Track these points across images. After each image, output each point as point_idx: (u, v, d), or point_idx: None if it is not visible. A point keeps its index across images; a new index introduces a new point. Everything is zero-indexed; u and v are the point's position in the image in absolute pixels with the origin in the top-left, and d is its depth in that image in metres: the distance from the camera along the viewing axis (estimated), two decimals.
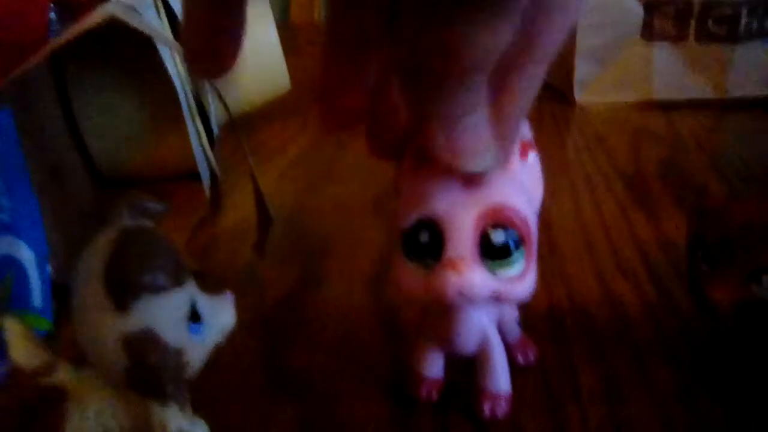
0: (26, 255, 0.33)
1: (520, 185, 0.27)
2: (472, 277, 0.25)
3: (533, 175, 0.27)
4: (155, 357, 0.23)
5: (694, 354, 0.34)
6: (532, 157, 0.27)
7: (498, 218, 0.25)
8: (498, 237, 0.25)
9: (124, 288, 0.23)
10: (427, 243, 0.26)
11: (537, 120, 0.72)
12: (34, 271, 0.33)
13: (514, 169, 0.27)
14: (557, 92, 0.80)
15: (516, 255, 0.25)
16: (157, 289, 0.23)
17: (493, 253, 0.25)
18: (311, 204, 0.52)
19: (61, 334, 0.35)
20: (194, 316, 0.25)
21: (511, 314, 0.33)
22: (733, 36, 0.75)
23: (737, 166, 0.60)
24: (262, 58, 0.58)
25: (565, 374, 0.33)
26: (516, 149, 0.27)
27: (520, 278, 0.26)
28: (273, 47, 0.58)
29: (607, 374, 0.33)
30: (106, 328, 0.23)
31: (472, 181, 0.26)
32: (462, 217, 0.25)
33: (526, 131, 0.27)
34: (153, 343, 0.23)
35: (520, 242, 0.25)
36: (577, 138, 0.68)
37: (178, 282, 0.24)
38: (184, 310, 0.24)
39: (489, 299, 0.26)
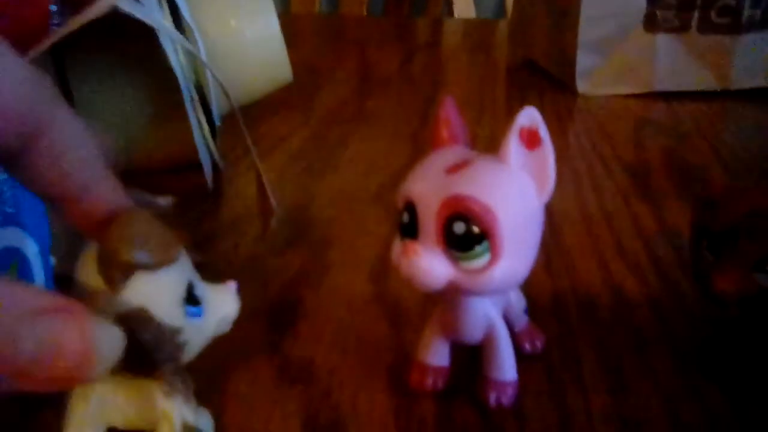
0: (30, 246, 0.33)
1: (511, 176, 0.26)
2: (422, 265, 0.25)
3: (542, 166, 0.26)
4: (149, 334, 0.23)
5: (697, 343, 0.34)
6: (544, 146, 0.26)
7: (459, 208, 0.25)
8: (458, 228, 0.25)
9: (113, 266, 0.23)
10: (407, 224, 0.26)
11: (539, 111, 0.71)
12: (37, 262, 0.33)
13: (508, 158, 0.26)
14: (560, 83, 0.80)
15: (478, 248, 0.25)
16: (145, 267, 0.23)
17: (454, 243, 0.25)
18: (313, 195, 0.51)
19: None
20: (191, 299, 0.25)
21: (519, 302, 0.33)
22: (736, 27, 0.75)
23: (740, 156, 0.60)
24: (264, 49, 0.58)
25: (569, 363, 0.33)
26: (515, 137, 0.26)
27: (483, 271, 0.25)
28: (275, 38, 0.58)
29: (610, 363, 0.33)
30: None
31: (455, 167, 0.26)
32: (430, 202, 0.25)
33: (536, 118, 0.26)
34: (146, 321, 0.23)
35: (484, 235, 0.25)
36: (579, 128, 0.68)
37: (167, 259, 0.24)
38: (179, 290, 0.24)
39: (448, 287, 0.26)
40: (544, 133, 0.26)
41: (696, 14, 0.76)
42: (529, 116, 0.26)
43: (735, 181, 0.55)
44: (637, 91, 0.77)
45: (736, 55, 0.76)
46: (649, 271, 0.41)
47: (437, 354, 0.31)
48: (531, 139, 0.26)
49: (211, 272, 0.41)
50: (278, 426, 0.29)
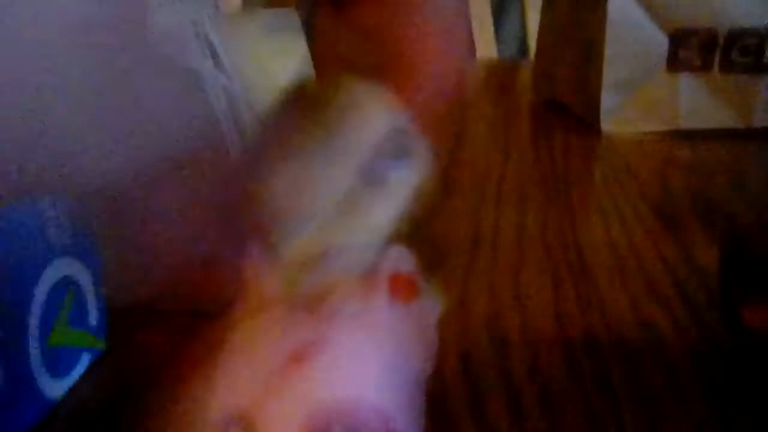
0: (84, 276, 0.34)
1: (383, 347, 0.18)
2: None
3: (419, 326, 0.19)
4: None
5: (728, 377, 0.35)
6: (424, 300, 0.19)
7: (346, 425, 0.17)
8: None
9: None
10: None
11: (564, 150, 0.73)
12: (90, 291, 0.35)
13: (380, 317, 0.18)
14: (584, 122, 0.81)
15: None
16: None
17: None
18: None
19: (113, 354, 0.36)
20: None
21: None
22: (758, 66, 0.76)
23: (764, 193, 0.61)
24: None
25: (605, 398, 0.33)
26: (384, 286, 0.19)
27: None
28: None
29: (645, 398, 0.34)
30: None
31: (297, 356, 0.17)
32: (281, 416, 0.17)
33: (406, 259, 0.19)
34: None
35: None
36: (604, 167, 0.69)
37: None
38: None
39: None
40: (419, 279, 0.19)
41: (718, 54, 0.77)
42: (398, 258, 0.19)
43: (759, 218, 0.55)
44: (660, 129, 0.79)
45: (758, 94, 0.77)
46: (678, 306, 0.42)
47: None
48: (406, 289, 0.19)
49: None
50: None
